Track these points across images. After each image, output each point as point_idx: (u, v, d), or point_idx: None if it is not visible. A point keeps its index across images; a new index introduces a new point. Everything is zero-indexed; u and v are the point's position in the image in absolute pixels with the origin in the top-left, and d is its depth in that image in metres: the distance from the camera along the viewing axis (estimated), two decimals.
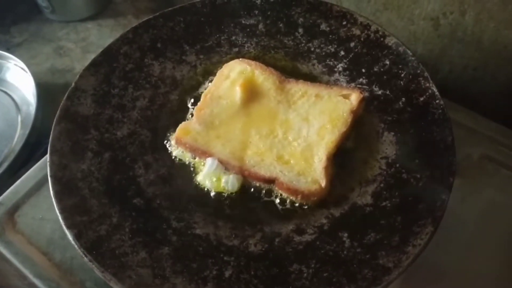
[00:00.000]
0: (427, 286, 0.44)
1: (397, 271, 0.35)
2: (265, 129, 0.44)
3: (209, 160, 0.42)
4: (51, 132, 0.43)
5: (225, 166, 0.42)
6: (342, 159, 0.43)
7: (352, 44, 0.50)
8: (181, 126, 0.44)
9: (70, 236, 0.37)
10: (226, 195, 0.42)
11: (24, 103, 0.70)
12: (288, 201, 0.41)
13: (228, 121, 0.44)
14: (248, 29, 0.52)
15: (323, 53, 0.51)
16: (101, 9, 0.84)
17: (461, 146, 0.49)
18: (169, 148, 0.45)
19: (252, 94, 0.46)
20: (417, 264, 0.44)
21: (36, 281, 0.44)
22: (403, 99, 0.46)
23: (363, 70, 0.49)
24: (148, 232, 0.39)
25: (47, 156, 0.41)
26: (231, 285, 0.36)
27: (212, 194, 0.42)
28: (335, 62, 0.50)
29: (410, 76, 0.47)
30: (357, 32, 0.51)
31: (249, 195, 0.42)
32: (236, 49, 0.51)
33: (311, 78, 0.49)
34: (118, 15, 0.84)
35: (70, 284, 0.44)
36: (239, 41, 0.52)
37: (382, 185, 0.41)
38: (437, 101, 0.45)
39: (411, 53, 0.48)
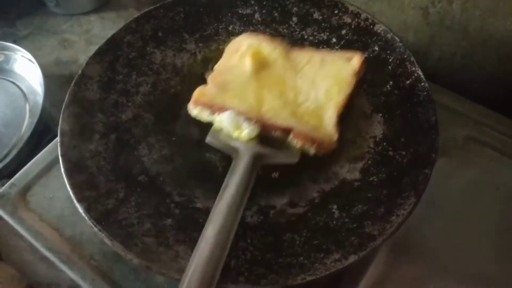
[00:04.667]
0: (413, 257, 0.47)
1: (381, 238, 0.38)
2: (277, 93, 0.46)
3: (226, 112, 0.44)
4: (61, 116, 0.46)
5: (243, 116, 0.44)
6: None
7: (343, 32, 0.53)
8: (198, 89, 0.47)
9: (80, 209, 0.40)
10: (223, 169, 0.44)
11: (32, 93, 0.73)
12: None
13: (241, 86, 0.47)
14: (244, 18, 0.55)
15: (316, 41, 0.53)
16: (103, 2, 0.86)
17: (447, 128, 0.52)
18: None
19: (261, 64, 0.48)
20: (404, 237, 0.47)
21: (48, 254, 0.47)
22: (391, 82, 0.49)
23: None
24: (152, 206, 0.42)
25: (58, 138, 0.44)
26: (229, 252, 0.38)
27: (212, 171, 0.45)
28: (327, 49, 0.53)
29: (398, 61, 0.50)
30: (348, 20, 0.53)
31: None
32: (234, 38, 0.54)
33: None
34: (120, 8, 0.87)
35: (80, 257, 0.47)
36: (236, 30, 0.55)
37: (370, 162, 0.44)
38: (422, 83, 0.48)
39: (398, 40, 0.51)
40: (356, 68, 0.47)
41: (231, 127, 0.44)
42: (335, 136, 0.44)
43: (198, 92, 0.47)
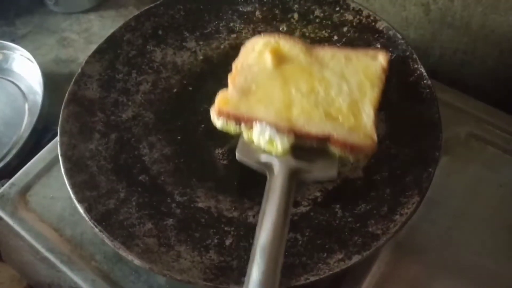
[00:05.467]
0: (416, 256, 0.47)
1: (385, 237, 0.38)
2: (305, 87, 0.43)
3: (256, 127, 0.40)
4: (60, 115, 0.45)
5: (274, 128, 0.40)
6: None
7: (345, 29, 0.53)
8: (219, 97, 0.42)
9: (81, 209, 0.39)
10: (224, 168, 0.44)
11: (31, 92, 0.72)
12: None
13: (265, 84, 0.43)
14: (245, 16, 0.55)
15: (318, 38, 0.53)
16: (102, 0, 0.86)
17: (449, 125, 0.52)
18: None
19: (282, 59, 0.45)
20: (407, 234, 0.47)
21: (48, 255, 0.46)
22: (393, 80, 0.48)
23: None
24: (153, 206, 0.41)
25: (57, 137, 0.44)
26: (231, 252, 0.38)
27: (214, 170, 0.44)
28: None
29: (400, 58, 0.49)
30: (350, 17, 0.53)
31: (247, 171, 0.43)
32: (234, 35, 0.54)
33: None
34: (120, 6, 0.86)
35: (80, 257, 0.46)
36: (237, 28, 0.54)
37: (372, 160, 0.44)
38: (425, 81, 0.47)
39: (400, 36, 0.50)
40: (384, 65, 0.44)
41: (262, 142, 0.40)
42: (374, 136, 0.40)
43: (220, 100, 0.42)
